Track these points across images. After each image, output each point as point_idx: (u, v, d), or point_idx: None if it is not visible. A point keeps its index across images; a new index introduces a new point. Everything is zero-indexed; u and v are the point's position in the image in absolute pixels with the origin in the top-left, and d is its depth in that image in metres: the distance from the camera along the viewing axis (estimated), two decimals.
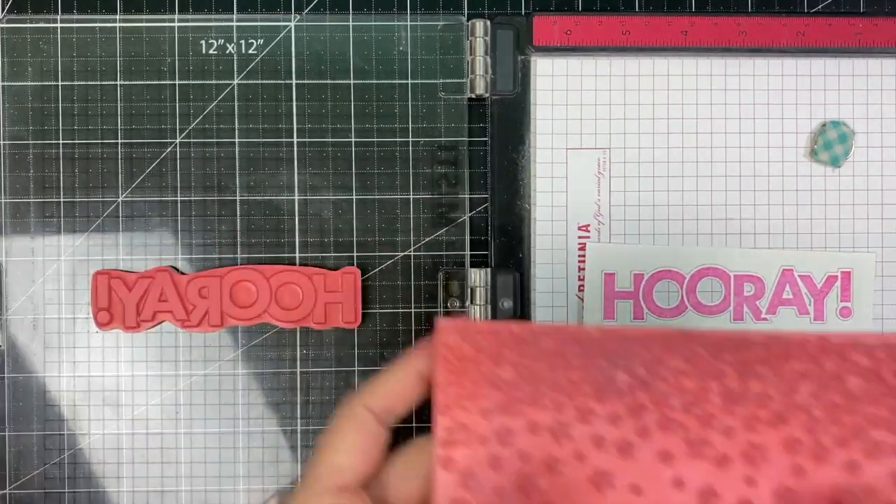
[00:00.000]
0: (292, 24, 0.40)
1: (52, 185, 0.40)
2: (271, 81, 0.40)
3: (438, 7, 0.41)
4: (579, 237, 0.41)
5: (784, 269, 0.41)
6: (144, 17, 0.40)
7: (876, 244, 0.41)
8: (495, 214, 0.40)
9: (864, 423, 0.25)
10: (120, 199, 0.40)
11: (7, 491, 0.39)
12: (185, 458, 0.40)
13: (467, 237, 0.40)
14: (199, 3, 0.40)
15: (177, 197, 0.40)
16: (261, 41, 0.40)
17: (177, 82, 0.40)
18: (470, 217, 0.41)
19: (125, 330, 0.39)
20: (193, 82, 0.40)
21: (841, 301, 0.41)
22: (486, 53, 0.40)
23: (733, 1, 0.41)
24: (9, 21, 0.40)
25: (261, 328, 0.40)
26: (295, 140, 0.40)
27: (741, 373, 0.25)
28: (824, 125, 0.41)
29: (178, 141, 0.40)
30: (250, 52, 0.40)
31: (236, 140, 0.40)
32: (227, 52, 0.40)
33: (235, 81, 0.40)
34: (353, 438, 0.25)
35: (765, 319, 0.40)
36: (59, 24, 0.40)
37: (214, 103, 0.40)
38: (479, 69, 0.40)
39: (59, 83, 0.40)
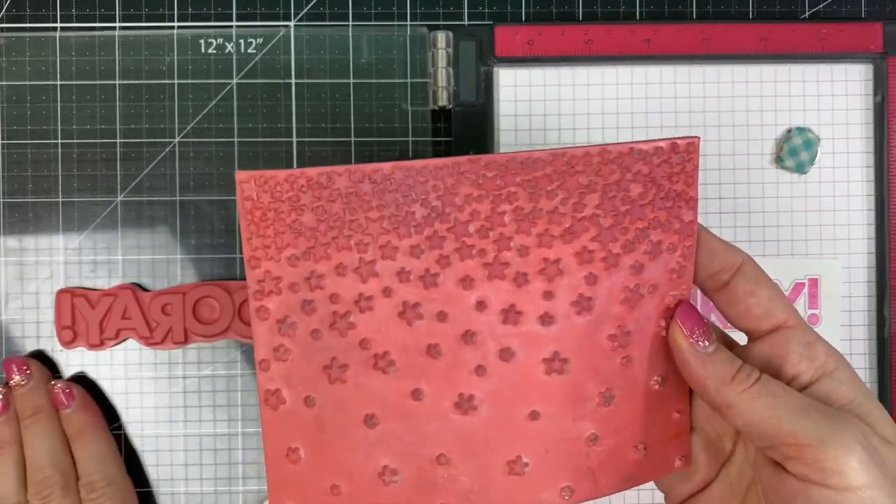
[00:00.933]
0: (292, 23, 0.40)
1: (50, 185, 0.40)
2: (270, 81, 0.40)
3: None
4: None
5: None
6: (143, 24, 0.40)
7: (843, 250, 0.41)
8: None
9: (646, 226, 0.27)
10: (118, 199, 0.40)
11: None
12: (184, 459, 0.40)
13: None
14: (197, 4, 0.40)
15: (175, 197, 0.40)
16: (259, 40, 0.40)
17: (175, 82, 0.40)
18: None
19: (89, 348, 0.39)
20: (192, 81, 0.40)
21: (809, 308, 0.40)
22: (448, 65, 0.40)
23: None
24: (8, 21, 0.40)
25: None
26: (294, 140, 0.40)
27: (531, 192, 0.26)
28: (789, 131, 0.40)
29: (177, 140, 0.40)
30: (249, 51, 0.40)
31: (235, 139, 0.40)
32: (227, 51, 0.40)
33: (234, 81, 0.40)
34: None
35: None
36: (58, 24, 0.40)
37: (214, 102, 0.40)
38: (442, 81, 0.40)
39: (58, 83, 0.40)
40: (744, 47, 0.40)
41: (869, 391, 0.26)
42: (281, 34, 0.40)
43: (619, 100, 0.40)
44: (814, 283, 0.41)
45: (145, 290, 0.39)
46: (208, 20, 0.40)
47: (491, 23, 0.40)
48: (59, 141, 0.40)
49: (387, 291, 0.26)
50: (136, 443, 0.40)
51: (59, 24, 0.40)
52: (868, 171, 0.41)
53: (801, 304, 0.40)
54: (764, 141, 0.41)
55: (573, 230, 0.26)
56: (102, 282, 0.40)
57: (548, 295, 0.27)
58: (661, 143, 0.26)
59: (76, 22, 0.40)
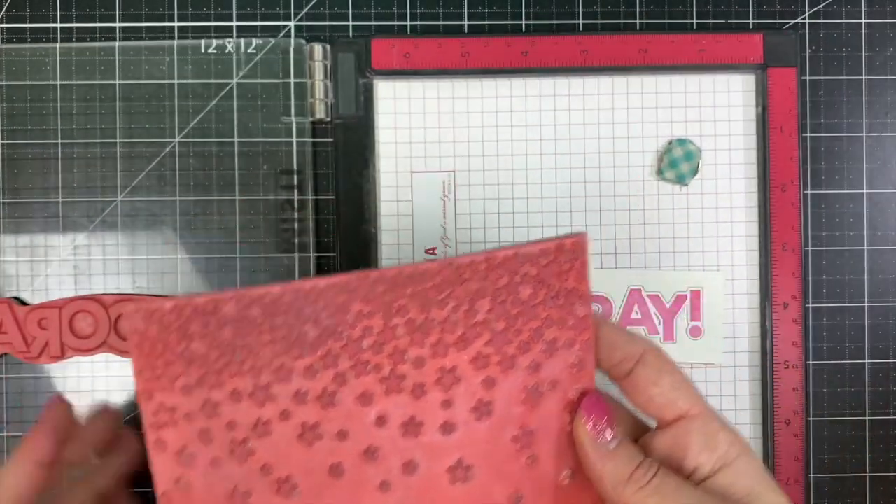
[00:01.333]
0: (292, 23, 0.40)
1: (50, 185, 0.40)
2: (270, 81, 0.40)
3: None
4: (426, 260, 0.40)
5: (632, 289, 0.40)
6: (143, 24, 0.40)
7: (726, 262, 0.41)
8: (341, 239, 0.40)
9: (539, 325, 0.27)
10: (118, 199, 0.40)
11: None
12: None
13: (312, 262, 0.40)
14: (198, 4, 0.40)
15: (175, 197, 0.40)
16: (259, 41, 0.40)
17: (175, 82, 0.40)
18: (316, 242, 0.40)
19: None
20: (192, 81, 0.40)
21: (691, 320, 0.40)
22: (325, 77, 0.40)
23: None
24: (8, 20, 0.40)
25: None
26: (294, 139, 0.40)
27: (422, 303, 0.26)
28: (670, 143, 0.40)
29: (177, 140, 0.40)
30: (249, 50, 0.40)
31: (235, 139, 0.40)
32: (227, 51, 0.40)
33: (235, 81, 0.40)
34: None
35: None
36: (58, 25, 0.40)
37: (214, 102, 0.40)
38: (319, 93, 0.39)
39: (58, 83, 0.40)
40: (623, 59, 0.40)
41: (771, 481, 0.26)
42: (281, 35, 0.40)
43: (498, 112, 0.40)
44: (696, 295, 0.40)
45: (24, 303, 0.40)
46: (208, 20, 0.40)
47: (367, 35, 0.40)
48: (60, 141, 0.40)
49: (284, 414, 0.26)
50: None
51: (59, 25, 0.40)
52: (750, 182, 0.40)
53: (682, 317, 0.40)
54: (645, 153, 0.41)
55: (466, 337, 0.27)
56: (101, 282, 0.40)
57: (446, 404, 0.27)
58: (548, 245, 0.27)
59: (76, 22, 0.40)
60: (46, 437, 0.30)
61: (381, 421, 0.27)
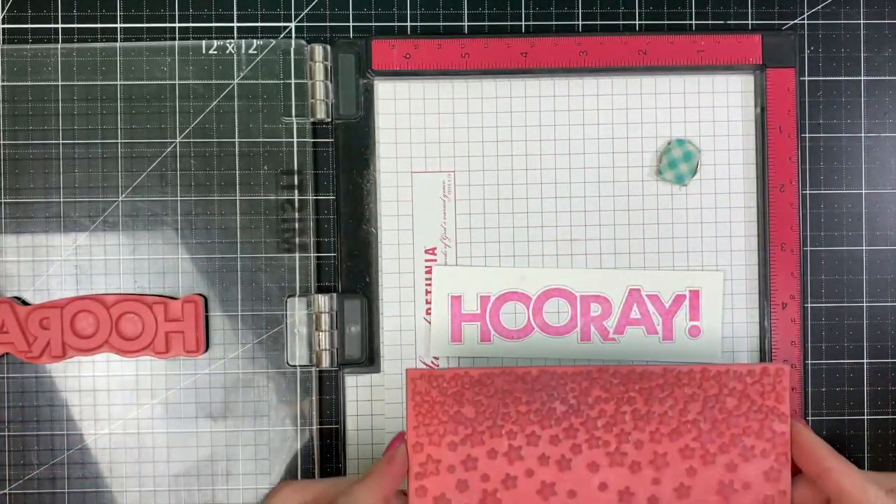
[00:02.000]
0: (292, 24, 0.40)
1: (51, 186, 0.40)
2: (271, 81, 0.40)
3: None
4: (426, 260, 0.41)
5: (631, 288, 0.40)
6: (144, 24, 0.40)
7: (725, 262, 0.41)
8: (341, 239, 0.40)
9: (739, 432, 0.33)
10: (119, 200, 0.40)
11: (7, 491, 0.40)
12: (182, 456, 0.40)
13: (312, 262, 0.40)
14: (198, 4, 0.41)
15: (176, 197, 0.40)
16: (260, 41, 0.40)
17: (177, 82, 0.40)
18: (316, 242, 0.41)
19: None
20: (193, 82, 0.40)
21: (690, 320, 0.40)
22: (326, 78, 0.40)
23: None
24: (9, 21, 0.40)
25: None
26: (295, 140, 0.40)
27: (647, 398, 0.33)
28: (669, 143, 0.40)
29: (178, 141, 0.40)
30: (250, 51, 0.40)
31: (236, 140, 0.40)
32: (227, 52, 0.40)
33: (235, 81, 0.40)
34: None
35: (613, 340, 0.40)
36: (59, 26, 0.40)
37: (214, 103, 0.40)
38: (320, 94, 0.40)
39: (59, 83, 0.40)
40: (622, 60, 0.40)
41: None
42: (282, 35, 0.40)
43: (498, 113, 0.40)
44: (695, 294, 0.40)
45: (25, 303, 0.40)
46: (209, 21, 0.41)
47: (367, 35, 0.40)
48: (61, 141, 0.40)
49: (529, 472, 0.33)
50: (139, 440, 0.40)
51: (60, 26, 0.40)
52: (749, 182, 0.41)
53: (682, 317, 0.40)
54: (644, 153, 0.41)
55: (678, 430, 0.33)
56: (103, 281, 0.40)
57: (655, 481, 0.33)
58: (754, 367, 0.33)
59: (77, 23, 0.40)
60: (395, 476, 0.32)
61: (603, 486, 0.33)
